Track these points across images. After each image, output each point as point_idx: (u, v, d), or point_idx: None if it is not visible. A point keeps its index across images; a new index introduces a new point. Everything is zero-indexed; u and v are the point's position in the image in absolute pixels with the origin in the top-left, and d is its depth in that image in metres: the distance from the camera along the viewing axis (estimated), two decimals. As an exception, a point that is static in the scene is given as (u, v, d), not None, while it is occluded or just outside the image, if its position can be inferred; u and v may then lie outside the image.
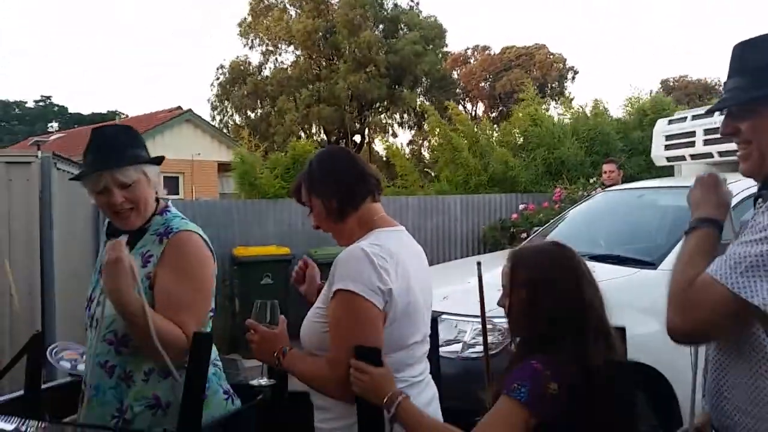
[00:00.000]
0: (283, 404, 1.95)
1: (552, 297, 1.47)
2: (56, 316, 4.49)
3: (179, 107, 21.45)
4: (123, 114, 25.50)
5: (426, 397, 1.71)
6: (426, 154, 23.67)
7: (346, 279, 1.58)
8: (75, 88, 66.01)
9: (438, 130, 9.99)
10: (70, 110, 33.55)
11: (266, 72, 29.52)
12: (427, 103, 10.97)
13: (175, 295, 1.79)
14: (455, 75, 33.16)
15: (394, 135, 28.29)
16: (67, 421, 1.89)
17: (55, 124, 31.94)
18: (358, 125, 27.86)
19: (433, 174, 12.38)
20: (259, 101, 28.90)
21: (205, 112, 35.85)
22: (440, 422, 1.62)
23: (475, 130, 10.15)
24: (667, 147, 5.27)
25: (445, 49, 29.30)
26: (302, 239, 7.30)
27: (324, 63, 28.36)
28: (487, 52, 35.36)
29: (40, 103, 32.91)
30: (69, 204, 5.26)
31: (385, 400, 1.52)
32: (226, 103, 29.93)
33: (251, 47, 29.48)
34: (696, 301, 1.28)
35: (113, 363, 1.82)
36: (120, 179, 1.84)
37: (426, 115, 10.84)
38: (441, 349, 2.25)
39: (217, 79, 29.62)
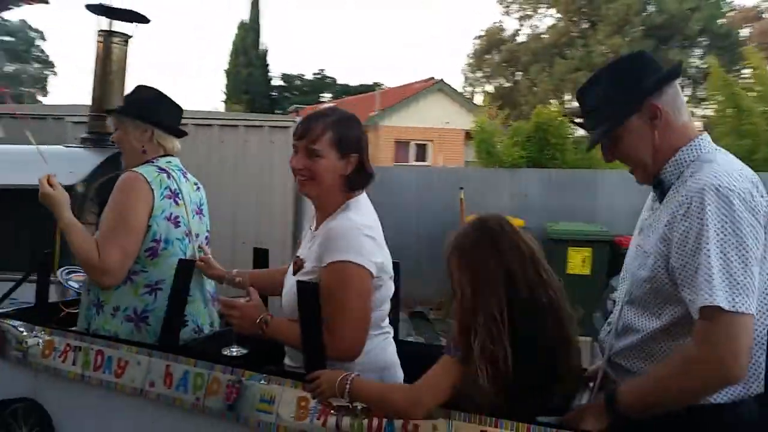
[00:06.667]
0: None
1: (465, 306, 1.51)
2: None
3: (432, 78, 22.04)
4: (383, 85, 27.17)
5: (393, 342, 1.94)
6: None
7: (343, 251, 1.68)
8: (344, 62, 72.65)
9: (722, 89, 8.51)
10: (339, 82, 36.83)
11: (521, 38, 28.84)
12: (712, 61, 9.36)
13: (103, 223, 2.11)
14: (745, 33, 28.36)
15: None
16: (71, 329, 2.19)
17: (327, 95, 35.44)
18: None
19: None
20: (512, 69, 28.39)
21: (457, 82, 36.61)
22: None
23: None
24: None
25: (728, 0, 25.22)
26: (538, 211, 6.91)
27: (584, 26, 26.63)
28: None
29: (317, 75, 36.71)
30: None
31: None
32: (478, 72, 30.02)
33: (508, 13, 29.00)
34: None
35: (89, 286, 2.18)
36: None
37: (710, 72, 9.31)
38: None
39: (474, 49, 29.83)
